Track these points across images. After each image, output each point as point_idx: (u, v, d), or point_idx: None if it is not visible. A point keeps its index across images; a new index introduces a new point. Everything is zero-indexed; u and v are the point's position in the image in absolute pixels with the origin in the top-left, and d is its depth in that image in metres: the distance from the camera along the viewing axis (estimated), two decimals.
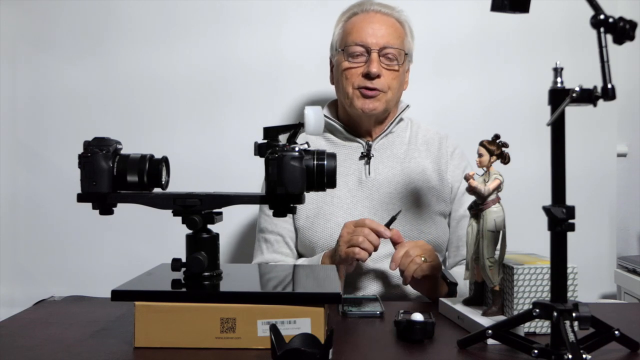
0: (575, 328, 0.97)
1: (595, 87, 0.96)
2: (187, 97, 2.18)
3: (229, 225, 2.14)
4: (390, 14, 1.72)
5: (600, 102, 0.96)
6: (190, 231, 1.14)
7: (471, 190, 1.20)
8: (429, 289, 1.48)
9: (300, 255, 1.75)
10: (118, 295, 1.08)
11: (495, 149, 1.19)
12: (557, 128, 1.00)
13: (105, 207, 1.15)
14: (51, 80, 2.17)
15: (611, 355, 1.05)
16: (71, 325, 1.22)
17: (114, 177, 1.14)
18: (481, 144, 1.20)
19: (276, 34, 2.17)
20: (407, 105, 1.80)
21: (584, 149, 2.16)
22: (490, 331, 1.05)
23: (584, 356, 0.92)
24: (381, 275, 1.64)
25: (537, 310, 1.01)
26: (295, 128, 1.16)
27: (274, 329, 0.95)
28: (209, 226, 1.15)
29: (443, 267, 1.54)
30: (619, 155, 2.29)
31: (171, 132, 2.16)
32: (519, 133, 2.07)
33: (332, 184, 1.14)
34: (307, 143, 1.14)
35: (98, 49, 2.17)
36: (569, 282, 1.09)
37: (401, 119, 1.79)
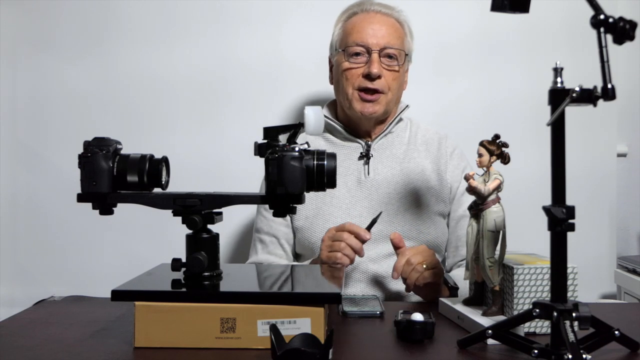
0: (575, 328, 0.97)
1: (595, 87, 0.96)
2: (187, 97, 2.18)
3: (229, 225, 2.14)
4: (390, 14, 1.72)
5: (600, 102, 0.96)
6: (190, 231, 1.14)
7: (471, 190, 1.20)
8: (430, 294, 1.48)
9: (298, 256, 1.75)
10: (118, 295, 1.08)
11: (495, 149, 1.19)
12: (557, 128, 1.00)
13: (105, 207, 1.15)
14: (51, 80, 2.18)
15: (611, 355, 1.05)
16: (71, 325, 1.22)
17: (114, 177, 1.14)
18: (481, 144, 1.20)
19: (276, 34, 2.17)
20: (407, 106, 1.80)
21: (584, 149, 2.16)
22: (490, 331, 1.05)
23: (584, 356, 0.92)
24: (381, 276, 1.64)
25: (537, 310, 1.01)
26: (295, 128, 1.16)
27: (274, 329, 0.95)
28: (209, 226, 1.15)
29: (444, 272, 1.54)
30: (619, 155, 2.29)
31: (171, 132, 2.16)
32: (519, 133, 2.07)
33: (332, 184, 1.14)
34: (307, 143, 1.14)
35: (98, 49, 2.17)
36: (569, 282, 1.09)
37: (400, 119, 1.79)
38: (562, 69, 1.00)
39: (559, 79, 1.00)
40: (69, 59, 2.17)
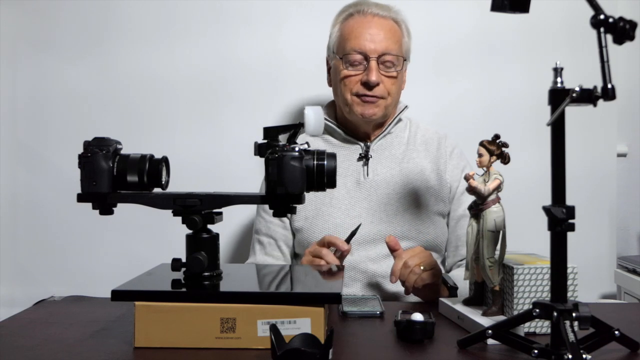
0: (575, 328, 0.97)
1: (595, 87, 0.96)
2: (187, 97, 2.18)
3: (229, 225, 2.14)
4: (388, 16, 1.70)
5: (600, 102, 0.96)
6: (190, 231, 1.14)
7: (471, 190, 1.20)
8: (430, 295, 1.48)
9: (297, 256, 1.75)
10: (118, 295, 1.08)
11: (495, 149, 1.19)
12: (557, 128, 1.00)
13: (105, 207, 1.15)
14: (51, 80, 2.17)
15: (611, 355, 1.05)
16: (71, 325, 1.22)
17: (114, 177, 1.14)
18: (481, 144, 1.20)
19: (276, 34, 2.17)
20: (406, 106, 1.80)
21: (584, 149, 2.16)
22: (490, 331, 1.05)
23: (584, 356, 0.92)
24: (381, 275, 1.64)
25: (537, 310, 1.01)
26: (295, 128, 1.16)
27: (274, 329, 0.95)
28: (209, 226, 1.15)
29: (443, 272, 1.54)
30: (619, 155, 2.29)
31: (171, 132, 2.16)
32: (519, 133, 2.07)
33: (332, 184, 1.14)
34: (307, 143, 1.14)
35: (98, 49, 2.17)
36: (569, 282, 1.09)
37: (400, 120, 1.79)
38: (562, 69, 1.00)
39: (559, 79, 1.00)
40: (69, 59, 2.17)
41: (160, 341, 1.06)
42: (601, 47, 0.94)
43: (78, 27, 2.17)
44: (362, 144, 1.74)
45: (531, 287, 1.17)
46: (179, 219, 1.14)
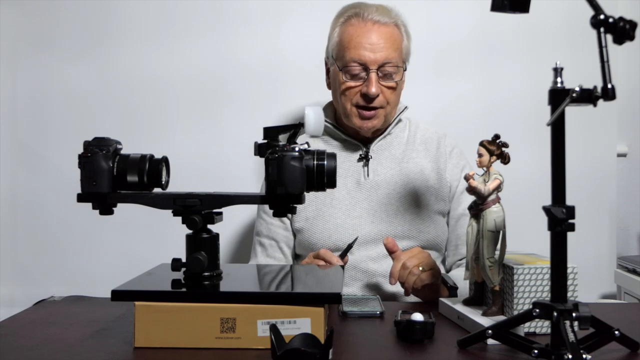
0: (575, 328, 0.97)
1: (595, 87, 0.96)
2: (187, 97, 2.18)
3: (229, 225, 2.14)
4: (388, 22, 1.66)
5: (600, 102, 0.96)
6: (190, 231, 1.14)
7: (471, 190, 1.20)
8: (430, 295, 1.48)
9: (298, 257, 1.75)
10: (118, 295, 1.08)
11: (495, 149, 1.19)
12: (557, 128, 1.00)
13: (105, 207, 1.15)
14: (51, 80, 2.17)
15: (611, 355, 1.05)
16: (71, 325, 1.22)
17: (114, 177, 1.14)
18: (481, 144, 1.20)
19: (276, 34, 2.17)
20: (406, 107, 1.80)
21: (584, 149, 2.16)
22: (490, 331, 1.05)
23: (584, 356, 0.92)
24: (381, 275, 1.64)
25: (537, 310, 1.01)
26: (295, 128, 1.16)
27: (274, 329, 0.95)
28: (209, 226, 1.15)
29: (442, 272, 1.54)
30: (619, 155, 2.29)
31: (171, 132, 2.16)
32: (519, 133, 2.07)
33: (332, 183, 1.14)
34: (307, 143, 1.14)
35: (98, 49, 2.17)
36: (569, 282, 1.09)
37: (399, 120, 1.79)
38: (562, 69, 1.00)
39: (559, 79, 1.00)
40: (69, 59, 2.17)
41: (160, 341, 1.06)
42: (601, 47, 0.94)
43: (78, 27, 2.17)
44: (362, 145, 1.74)
45: (531, 287, 1.17)
46: (179, 219, 1.14)
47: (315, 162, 1.13)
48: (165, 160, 1.18)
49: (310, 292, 1.11)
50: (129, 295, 1.08)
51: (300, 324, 1.06)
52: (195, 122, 2.18)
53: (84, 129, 2.06)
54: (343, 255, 1.51)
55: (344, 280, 1.51)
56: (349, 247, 1.54)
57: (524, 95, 2.16)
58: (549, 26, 2.17)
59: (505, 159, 1.20)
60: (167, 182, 1.19)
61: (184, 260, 1.14)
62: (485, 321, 1.14)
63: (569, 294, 1.06)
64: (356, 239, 1.57)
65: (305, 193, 1.14)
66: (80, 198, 1.14)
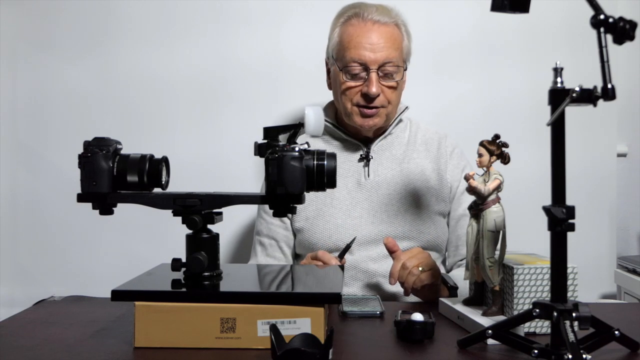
0: (575, 328, 0.97)
1: (595, 87, 0.96)
2: (187, 97, 2.18)
3: (229, 225, 2.14)
4: (388, 22, 1.66)
5: (600, 102, 0.96)
6: (190, 231, 1.14)
7: (471, 190, 1.20)
8: (430, 295, 1.48)
9: (298, 256, 1.75)
10: (118, 295, 1.08)
11: (495, 149, 1.19)
12: (557, 128, 1.00)
13: (105, 207, 1.15)
14: (51, 80, 2.18)
15: (611, 355, 1.05)
16: (71, 325, 1.22)
17: (114, 177, 1.14)
18: (481, 144, 1.20)
19: (276, 34, 2.17)
20: (406, 107, 1.80)
21: (584, 149, 2.16)
22: (490, 331, 1.05)
23: (584, 356, 0.92)
24: (381, 275, 1.64)
25: (537, 310, 1.01)
26: (295, 128, 1.16)
27: (274, 329, 0.95)
28: (209, 226, 1.15)
29: (443, 272, 1.54)
30: (619, 155, 2.29)
31: (171, 132, 2.16)
32: (519, 133, 2.07)
33: (332, 183, 1.14)
34: (307, 143, 1.14)
35: (98, 49, 2.17)
36: (569, 282, 1.09)
37: (400, 120, 1.79)
38: (562, 69, 1.00)
39: (559, 79, 1.00)
40: (69, 59, 2.17)
41: (160, 341, 1.06)
42: (601, 47, 0.94)
43: (78, 27, 2.17)
44: (362, 145, 1.74)
45: (531, 287, 1.17)
46: (179, 219, 1.14)
47: (315, 162, 1.13)
48: (165, 160, 1.18)
49: (310, 292, 1.11)
50: (129, 295, 1.08)
51: (300, 324, 1.06)
52: (195, 122, 2.18)
53: (84, 129, 2.06)
54: (341, 256, 1.52)
55: (344, 280, 1.51)
56: (347, 247, 1.54)
57: (524, 95, 2.16)
58: (549, 26, 2.17)
59: (505, 159, 1.20)
60: (167, 182, 1.19)
61: (184, 260, 1.14)
62: (485, 321, 1.14)
63: (569, 294, 1.06)
64: (354, 239, 1.57)
65: (305, 193, 1.14)
66: (80, 198, 1.14)
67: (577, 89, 0.96)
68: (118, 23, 2.17)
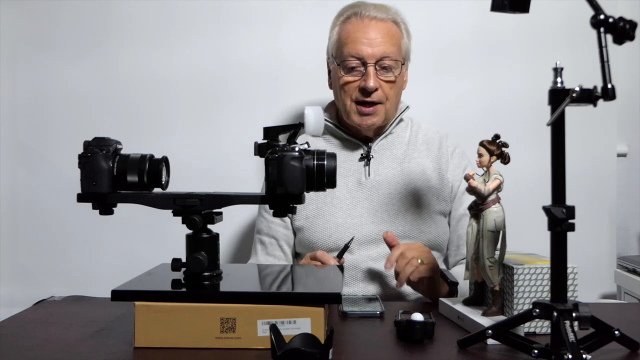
0: (575, 328, 0.97)
1: (595, 87, 0.96)
2: (187, 97, 2.18)
3: (229, 225, 2.14)
4: (386, 18, 1.68)
5: (600, 102, 0.96)
6: (190, 231, 1.14)
7: (471, 190, 1.20)
8: (428, 290, 1.48)
9: (298, 255, 1.75)
10: (118, 295, 1.08)
11: (495, 149, 1.19)
12: (557, 128, 1.00)
13: (105, 207, 1.15)
14: (51, 80, 2.17)
15: (611, 355, 1.05)
16: (71, 325, 1.22)
17: (114, 177, 1.14)
18: (481, 144, 1.20)
19: (276, 34, 2.17)
20: (407, 106, 1.80)
21: (584, 149, 2.16)
22: (490, 331, 1.05)
23: (584, 356, 0.92)
24: (381, 275, 1.64)
25: (537, 310, 1.01)
26: (295, 128, 1.16)
27: (274, 329, 0.95)
28: (209, 226, 1.15)
29: (443, 267, 1.54)
30: (619, 155, 2.29)
31: (171, 132, 2.16)
32: (519, 133, 2.07)
33: (332, 184, 1.14)
34: (307, 143, 1.14)
35: (98, 49, 2.17)
36: (569, 282, 1.09)
37: (401, 120, 1.79)
38: (562, 69, 1.00)
39: (559, 79, 1.00)
40: (69, 59, 2.17)
41: (160, 341, 1.06)
42: (601, 47, 0.94)
43: (78, 27, 2.17)
44: (363, 145, 1.74)
45: (531, 287, 1.17)
46: (179, 219, 1.14)
47: (315, 162, 1.13)
48: (165, 160, 1.18)
49: (310, 292, 1.11)
50: (129, 295, 1.08)
51: (300, 324, 1.06)
52: (195, 122, 2.18)
53: (84, 129, 2.06)
54: (340, 256, 1.52)
55: (344, 280, 1.51)
56: (346, 247, 1.54)
57: (524, 95, 2.16)
58: (549, 26, 2.17)
59: (505, 159, 1.20)
60: (167, 182, 1.19)
61: (184, 260, 1.14)
62: (485, 321, 1.14)
63: (569, 294, 1.06)
64: (352, 239, 1.57)
65: (305, 193, 1.14)
66: (80, 198, 1.14)
67: (577, 89, 0.96)
68: (118, 23, 2.17)
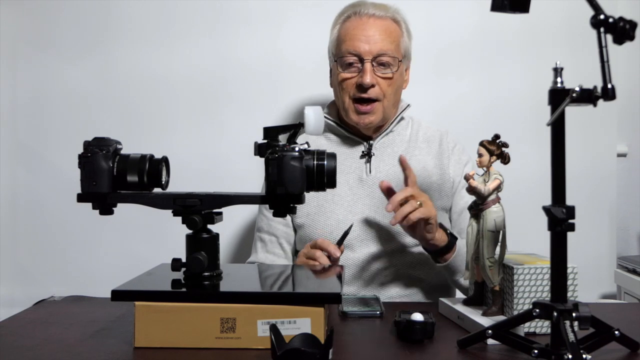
0: (575, 328, 0.97)
1: (595, 87, 0.96)
2: (187, 97, 2.18)
3: (229, 225, 2.14)
4: (385, 16, 1.68)
5: (600, 102, 0.96)
6: (190, 231, 1.15)
7: (471, 190, 1.20)
8: (423, 234, 1.47)
9: (297, 253, 1.75)
10: (118, 295, 1.08)
11: (495, 149, 1.19)
12: (557, 128, 1.00)
13: (105, 207, 1.15)
14: (51, 80, 2.17)
15: (611, 355, 1.05)
16: (71, 325, 1.22)
17: (114, 177, 1.14)
18: (481, 144, 1.20)
19: (276, 34, 2.17)
20: (408, 105, 1.80)
21: (584, 149, 2.16)
22: (490, 331, 1.05)
23: (584, 356, 0.92)
24: (382, 275, 1.64)
25: (537, 310, 1.01)
26: (295, 128, 1.16)
27: (274, 329, 0.95)
28: (209, 226, 1.15)
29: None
30: (619, 155, 2.29)
31: (171, 132, 2.16)
32: (519, 133, 2.07)
33: (332, 184, 1.14)
34: (307, 143, 1.14)
35: (98, 49, 2.17)
36: (569, 282, 1.09)
37: (402, 118, 1.79)
38: (562, 69, 1.00)
39: (559, 79, 1.00)
40: (69, 59, 2.17)
41: (160, 341, 1.06)
42: (601, 47, 0.94)
43: (78, 27, 2.17)
44: (364, 142, 1.74)
45: (531, 287, 1.17)
46: (179, 219, 1.14)
47: (315, 162, 1.13)
48: (165, 160, 1.18)
49: (310, 292, 1.11)
50: (129, 295, 1.08)
51: (300, 324, 1.06)
52: (195, 122, 2.17)
53: (84, 129, 2.06)
54: (339, 243, 1.51)
55: (344, 280, 1.51)
56: (345, 234, 1.53)
57: (524, 95, 2.16)
58: (549, 26, 2.17)
59: (505, 159, 1.20)
60: (167, 182, 1.19)
61: (184, 260, 1.14)
62: (485, 321, 1.14)
63: (569, 294, 1.06)
64: (351, 226, 1.57)
65: (305, 193, 1.14)
66: (80, 198, 1.14)
67: (577, 89, 0.96)
68: (118, 23, 2.17)
